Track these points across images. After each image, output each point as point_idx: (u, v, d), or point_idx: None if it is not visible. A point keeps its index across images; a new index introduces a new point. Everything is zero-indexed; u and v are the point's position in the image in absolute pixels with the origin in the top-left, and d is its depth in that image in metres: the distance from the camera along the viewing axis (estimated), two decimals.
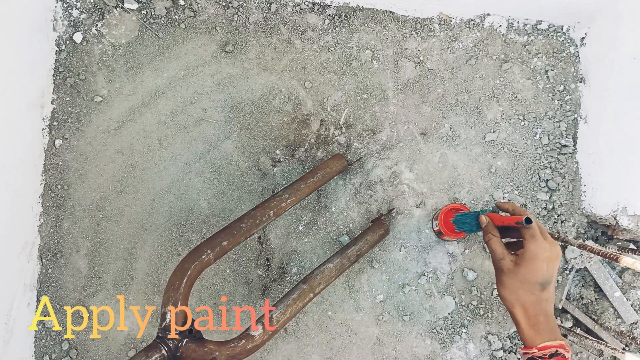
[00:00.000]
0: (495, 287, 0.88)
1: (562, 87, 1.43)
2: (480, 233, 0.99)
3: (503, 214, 0.93)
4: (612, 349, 1.14)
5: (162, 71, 1.38)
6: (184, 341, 0.86)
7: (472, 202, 1.38)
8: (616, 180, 1.27)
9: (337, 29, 1.42)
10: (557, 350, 0.77)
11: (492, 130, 1.41)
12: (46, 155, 1.33)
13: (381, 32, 1.43)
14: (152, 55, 1.38)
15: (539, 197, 1.38)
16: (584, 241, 1.29)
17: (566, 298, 1.34)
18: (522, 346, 0.81)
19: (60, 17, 1.36)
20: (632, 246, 1.26)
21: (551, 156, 1.39)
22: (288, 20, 1.42)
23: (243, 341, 0.94)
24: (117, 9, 1.37)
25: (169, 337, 0.84)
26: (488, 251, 0.91)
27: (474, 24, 1.44)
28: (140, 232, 1.33)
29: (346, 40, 1.42)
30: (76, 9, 1.36)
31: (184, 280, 0.90)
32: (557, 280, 1.34)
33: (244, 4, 1.41)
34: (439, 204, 1.38)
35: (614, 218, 1.25)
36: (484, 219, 0.92)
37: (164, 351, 0.83)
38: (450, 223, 1.31)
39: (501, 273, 0.83)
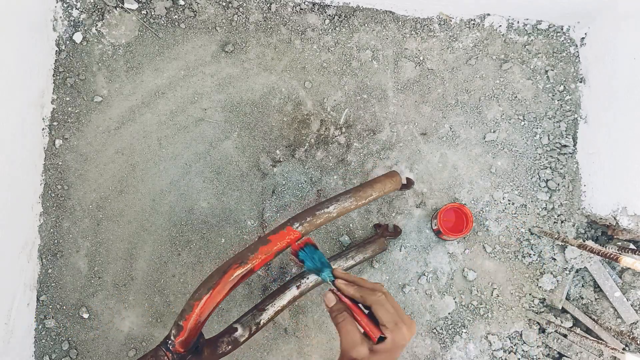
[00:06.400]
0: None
1: (562, 87, 1.43)
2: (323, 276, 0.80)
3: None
4: (612, 349, 1.14)
5: (162, 71, 1.38)
6: (188, 357, 0.85)
7: (472, 202, 1.38)
8: (616, 180, 1.27)
9: (337, 29, 1.42)
10: None
11: (492, 130, 1.41)
12: (46, 155, 1.33)
13: (381, 32, 1.43)
14: (152, 55, 1.38)
15: (539, 197, 1.38)
16: (584, 241, 1.29)
17: (566, 298, 1.34)
18: None
19: (60, 17, 1.36)
20: (632, 246, 1.26)
21: (551, 156, 1.39)
22: (288, 20, 1.42)
23: (230, 347, 0.94)
24: (117, 9, 1.37)
25: (178, 352, 0.82)
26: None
27: (474, 24, 1.44)
28: (140, 232, 1.33)
29: (346, 40, 1.42)
30: (76, 9, 1.36)
31: (216, 302, 0.83)
32: (557, 280, 1.34)
33: (244, 4, 1.41)
34: (439, 204, 1.38)
35: (614, 218, 1.25)
36: (331, 297, 0.74)
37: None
38: (447, 221, 1.32)
39: None
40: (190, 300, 0.83)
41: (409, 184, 1.24)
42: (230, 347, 0.93)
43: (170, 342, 0.82)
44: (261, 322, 0.99)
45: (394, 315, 0.69)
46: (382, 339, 0.68)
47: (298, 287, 1.07)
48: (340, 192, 1.05)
